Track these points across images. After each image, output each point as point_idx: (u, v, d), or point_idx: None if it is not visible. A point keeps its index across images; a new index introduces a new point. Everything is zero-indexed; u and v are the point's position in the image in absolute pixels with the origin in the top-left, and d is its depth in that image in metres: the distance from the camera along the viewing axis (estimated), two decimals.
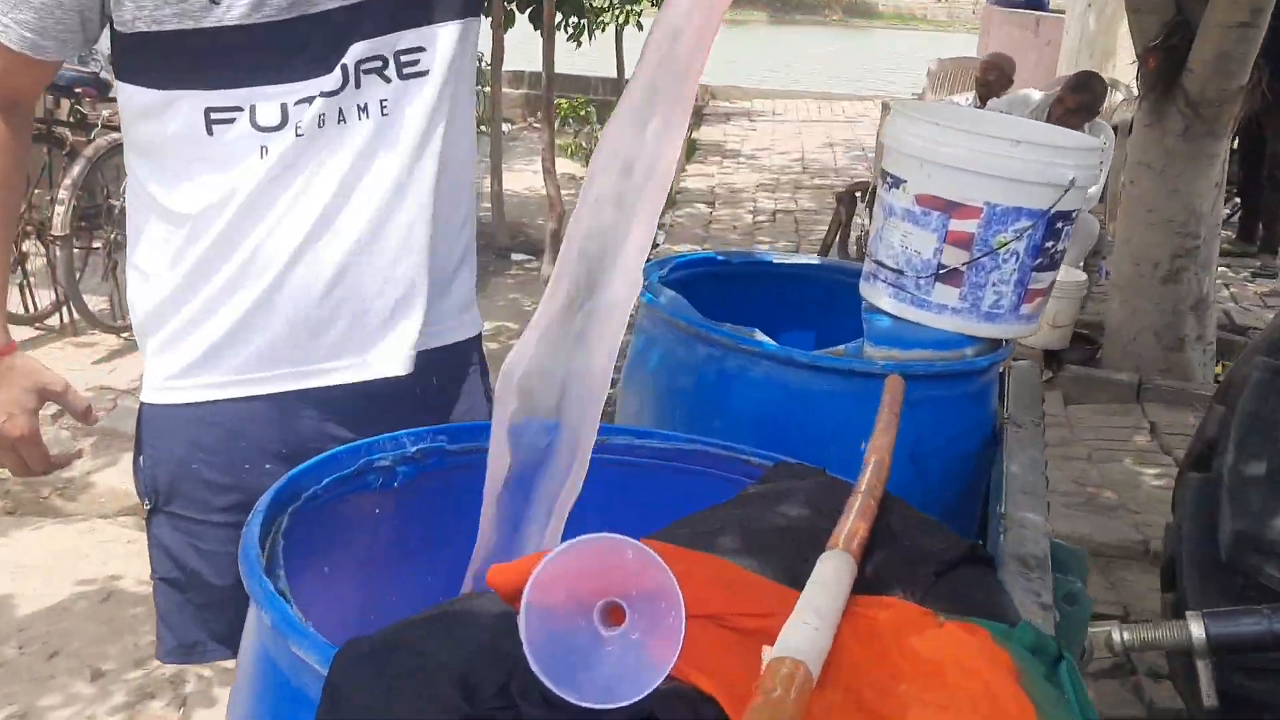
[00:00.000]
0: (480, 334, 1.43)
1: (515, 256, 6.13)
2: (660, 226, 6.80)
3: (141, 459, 1.30)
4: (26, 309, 4.34)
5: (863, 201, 2.90)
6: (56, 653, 2.49)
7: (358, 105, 1.19)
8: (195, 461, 1.26)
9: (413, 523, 1.10)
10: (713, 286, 1.87)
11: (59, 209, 4.10)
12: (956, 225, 1.58)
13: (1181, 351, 4.01)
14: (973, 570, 0.94)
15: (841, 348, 1.56)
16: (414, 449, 1.10)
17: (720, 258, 2.02)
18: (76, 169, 4.16)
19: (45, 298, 4.41)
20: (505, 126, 7.87)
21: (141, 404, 1.30)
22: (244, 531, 0.90)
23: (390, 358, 1.25)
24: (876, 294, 1.70)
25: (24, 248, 4.26)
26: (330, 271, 1.21)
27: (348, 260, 1.21)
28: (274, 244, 1.20)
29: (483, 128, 6.70)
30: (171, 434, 1.27)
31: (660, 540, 0.90)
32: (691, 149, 8.69)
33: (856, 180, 3.48)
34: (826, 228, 4.60)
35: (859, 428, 1.59)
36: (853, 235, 3.23)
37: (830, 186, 7.41)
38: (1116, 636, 1.25)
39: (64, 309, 4.36)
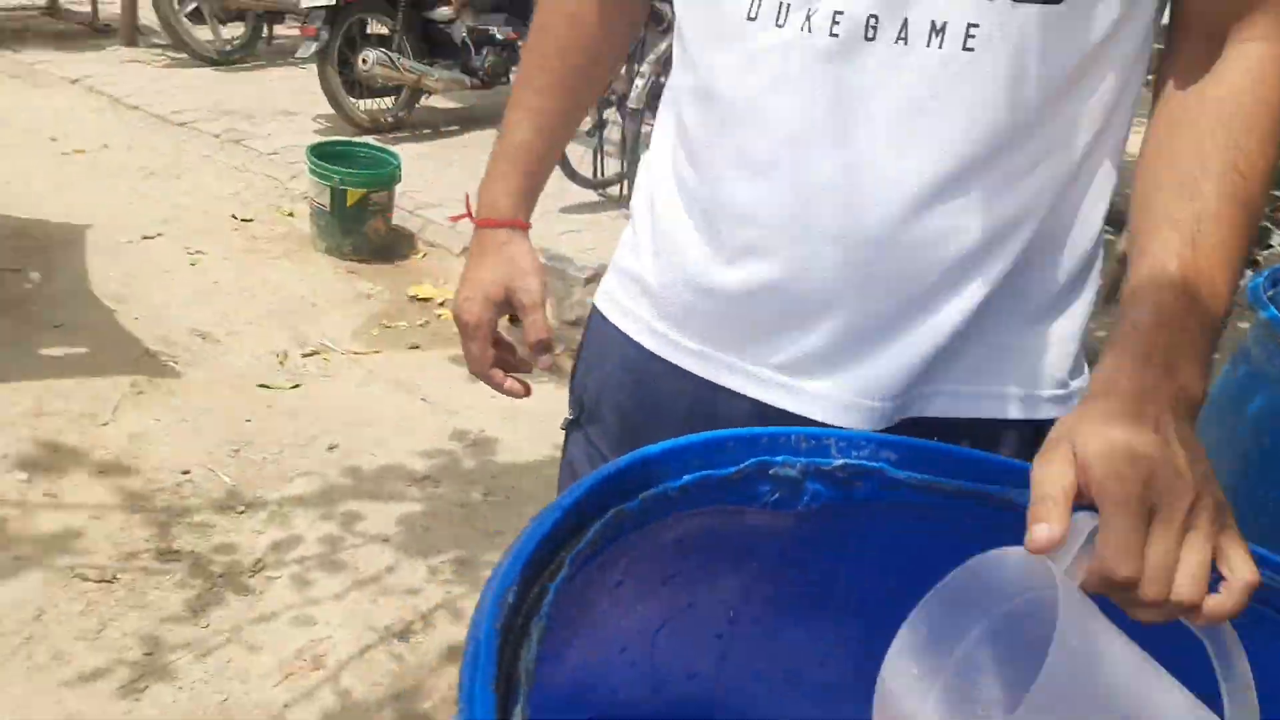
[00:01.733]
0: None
1: None
2: None
3: (579, 360, 1.05)
4: (594, 175, 4.45)
5: None
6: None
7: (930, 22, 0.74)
8: (617, 386, 0.98)
9: (804, 572, 0.67)
10: None
11: (638, 82, 4.09)
12: None
13: None
14: None
15: None
16: (837, 461, 0.67)
17: None
18: (663, 45, 4.10)
19: (614, 166, 4.49)
20: None
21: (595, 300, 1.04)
22: (499, 574, 0.53)
23: (834, 400, 0.85)
24: None
25: (604, 115, 4.34)
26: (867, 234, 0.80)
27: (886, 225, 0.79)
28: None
29: None
30: (606, 346, 1.00)
31: None
32: None
33: None
34: None
35: None
36: None
37: None
38: None
39: (625, 181, 4.41)
